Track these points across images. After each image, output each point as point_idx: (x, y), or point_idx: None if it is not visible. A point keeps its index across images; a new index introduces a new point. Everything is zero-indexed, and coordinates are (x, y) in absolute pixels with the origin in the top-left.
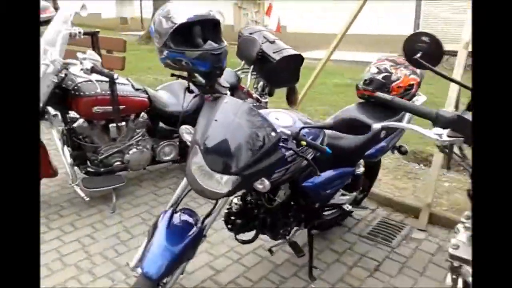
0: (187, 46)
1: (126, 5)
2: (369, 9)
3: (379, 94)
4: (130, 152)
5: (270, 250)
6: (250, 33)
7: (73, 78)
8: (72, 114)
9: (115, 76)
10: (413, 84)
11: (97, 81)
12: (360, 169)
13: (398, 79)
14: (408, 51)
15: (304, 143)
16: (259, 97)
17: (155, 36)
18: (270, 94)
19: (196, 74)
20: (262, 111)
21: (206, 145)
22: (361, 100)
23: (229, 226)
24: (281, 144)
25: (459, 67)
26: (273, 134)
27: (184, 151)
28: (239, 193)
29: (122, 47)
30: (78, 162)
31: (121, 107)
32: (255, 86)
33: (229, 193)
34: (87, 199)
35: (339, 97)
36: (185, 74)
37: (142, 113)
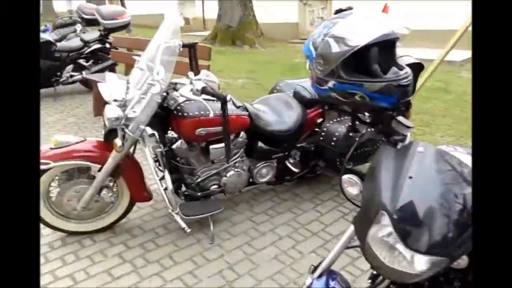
0: (362, 74)
1: (188, 6)
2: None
3: None
4: (228, 174)
5: None
6: None
7: (175, 97)
8: (171, 134)
9: (228, 97)
10: None
11: (204, 100)
12: None
13: None
14: None
15: None
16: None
17: (317, 62)
18: None
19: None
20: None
21: (400, 213)
22: None
23: None
24: None
25: None
26: None
27: (281, 172)
28: None
29: (207, 55)
30: (175, 186)
31: None
32: None
33: (421, 276)
34: (188, 230)
35: (433, 104)
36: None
37: (242, 132)
